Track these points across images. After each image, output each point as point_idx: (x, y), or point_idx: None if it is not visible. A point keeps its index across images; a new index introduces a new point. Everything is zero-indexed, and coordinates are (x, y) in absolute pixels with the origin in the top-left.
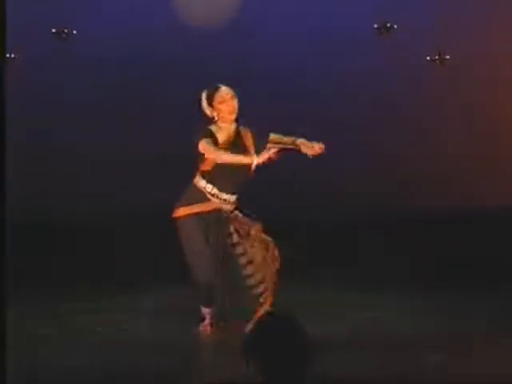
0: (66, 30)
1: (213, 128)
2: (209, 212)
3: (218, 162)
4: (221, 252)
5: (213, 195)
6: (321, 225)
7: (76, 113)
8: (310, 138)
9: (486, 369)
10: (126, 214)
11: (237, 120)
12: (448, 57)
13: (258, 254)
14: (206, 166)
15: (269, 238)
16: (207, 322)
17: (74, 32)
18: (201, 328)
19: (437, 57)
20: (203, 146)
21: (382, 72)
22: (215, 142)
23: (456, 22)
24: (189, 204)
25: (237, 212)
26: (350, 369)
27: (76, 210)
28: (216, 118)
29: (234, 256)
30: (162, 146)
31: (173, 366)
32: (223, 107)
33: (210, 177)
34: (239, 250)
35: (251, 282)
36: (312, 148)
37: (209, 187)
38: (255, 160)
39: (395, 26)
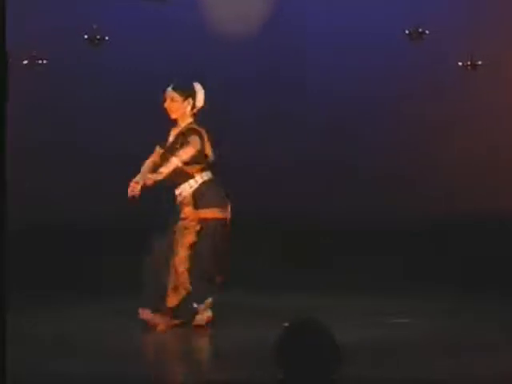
0: (98, 37)
1: (172, 128)
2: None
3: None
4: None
5: (176, 195)
6: (343, 230)
7: (105, 118)
8: (340, 141)
9: None
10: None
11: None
12: (480, 62)
13: (180, 245)
14: None
15: (195, 229)
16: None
17: (106, 38)
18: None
19: (468, 62)
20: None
21: (413, 77)
22: (166, 142)
23: (488, 27)
24: None
25: (187, 198)
26: (377, 375)
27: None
28: None
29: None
30: None
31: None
32: (165, 104)
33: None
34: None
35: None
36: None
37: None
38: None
39: (427, 32)
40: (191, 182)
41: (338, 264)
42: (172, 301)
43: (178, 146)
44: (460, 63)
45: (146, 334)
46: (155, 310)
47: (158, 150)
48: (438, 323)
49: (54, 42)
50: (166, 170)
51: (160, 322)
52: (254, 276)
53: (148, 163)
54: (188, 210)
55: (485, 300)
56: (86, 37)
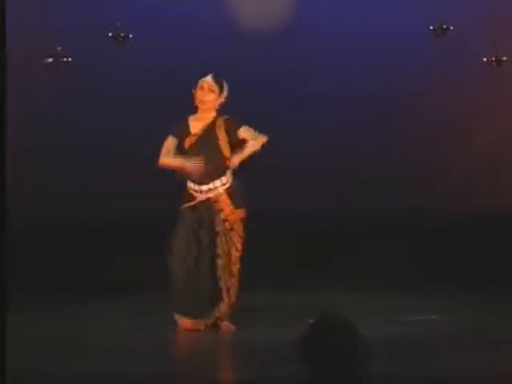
0: (122, 34)
1: (191, 117)
2: (196, 205)
3: (160, 164)
4: (206, 243)
5: (196, 191)
6: (369, 228)
7: (128, 115)
8: (366, 138)
9: None
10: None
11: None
12: (505, 58)
13: (229, 246)
14: None
15: (240, 229)
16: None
17: (131, 36)
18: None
19: (493, 58)
20: (164, 144)
21: (437, 73)
22: (186, 133)
23: None
24: (185, 201)
25: (222, 199)
26: (405, 371)
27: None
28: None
29: (214, 247)
30: None
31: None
32: (199, 93)
33: (188, 175)
34: (218, 239)
35: (219, 273)
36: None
37: (191, 185)
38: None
39: (451, 28)
40: (223, 178)
41: (354, 263)
42: (225, 303)
43: (219, 138)
44: (485, 59)
45: (178, 334)
46: (188, 314)
47: (172, 140)
48: (466, 318)
49: (79, 39)
50: (247, 151)
51: (194, 323)
52: (266, 276)
53: (170, 149)
54: (229, 210)
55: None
56: (110, 34)
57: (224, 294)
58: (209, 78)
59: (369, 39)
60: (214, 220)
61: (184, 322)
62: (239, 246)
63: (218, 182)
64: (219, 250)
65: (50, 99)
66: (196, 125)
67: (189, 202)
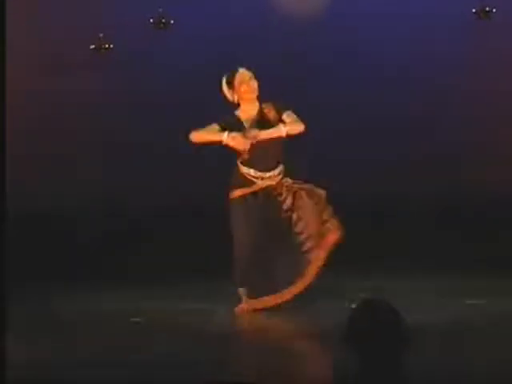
0: (163, 20)
1: (236, 112)
2: (257, 192)
3: (192, 140)
4: (270, 227)
5: (257, 178)
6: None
7: (168, 104)
8: (412, 121)
9: None
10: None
11: (258, 99)
12: None
13: (307, 209)
14: (238, 153)
15: (321, 191)
16: (243, 302)
17: (172, 22)
18: (237, 309)
19: None
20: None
21: (481, 58)
22: (237, 126)
23: None
24: (237, 187)
25: (285, 180)
26: (452, 358)
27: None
28: (237, 101)
29: (286, 224)
30: None
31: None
32: (243, 87)
33: (246, 161)
34: (290, 213)
35: (300, 238)
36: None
37: (251, 171)
38: (224, 138)
39: (494, 10)
40: (281, 166)
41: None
42: (297, 288)
43: (273, 123)
44: None
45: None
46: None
47: (216, 126)
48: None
49: (119, 25)
50: (269, 133)
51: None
52: None
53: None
54: (290, 198)
55: None
56: (151, 20)
57: (305, 271)
58: (244, 70)
59: (410, 24)
60: (279, 202)
61: (258, 302)
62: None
63: (277, 170)
64: (297, 227)
65: (94, 87)
66: (247, 117)
67: (243, 187)
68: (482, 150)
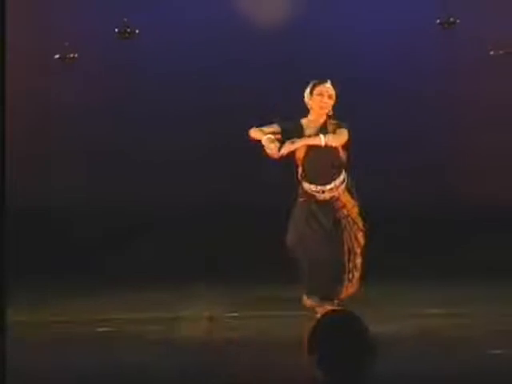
0: (128, 30)
1: (303, 120)
2: (321, 201)
3: (251, 137)
4: (329, 237)
5: (318, 192)
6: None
7: (135, 111)
8: (371, 133)
9: None
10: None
11: (329, 117)
12: None
13: (348, 235)
14: (297, 167)
15: (361, 222)
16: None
17: (137, 31)
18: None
19: (501, 52)
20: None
21: (445, 67)
22: (300, 134)
23: None
24: (303, 197)
25: (343, 196)
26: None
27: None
28: (310, 109)
29: (335, 235)
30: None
31: None
32: (318, 99)
33: (306, 176)
34: (339, 230)
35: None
36: None
37: (312, 187)
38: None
39: (458, 21)
40: (341, 176)
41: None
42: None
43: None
44: (492, 52)
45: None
46: (322, 298)
47: (276, 128)
48: None
49: (85, 35)
50: (300, 143)
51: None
52: None
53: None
54: (350, 206)
55: None
56: (116, 30)
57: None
58: (329, 85)
59: (376, 33)
60: (337, 217)
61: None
62: (362, 240)
63: (338, 181)
64: (345, 247)
65: (57, 95)
66: (310, 127)
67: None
68: (443, 157)
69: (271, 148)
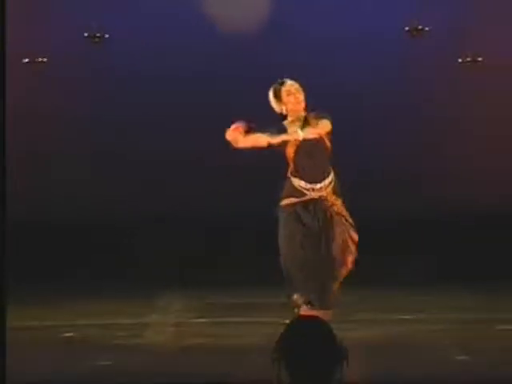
0: (98, 34)
1: (285, 123)
2: (307, 201)
3: (239, 145)
4: (319, 236)
5: (308, 189)
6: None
7: (106, 116)
8: (339, 138)
9: None
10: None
11: (305, 110)
12: (480, 59)
13: (342, 230)
14: (289, 165)
15: (351, 219)
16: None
17: (106, 36)
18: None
19: (469, 59)
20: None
21: (413, 75)
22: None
23: (488, 23)
24: (288, 197)
25: (330, 196)
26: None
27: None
28: (285, 112)
29: (325, 234)
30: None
31: None
32: (291, 99)
33: (297, 173)
34: (329, 231)
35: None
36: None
37: (302, 183)
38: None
39: (426, 29)
40: (330, 177)
41: None
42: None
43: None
44: (460, 60)
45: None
46: (309, 303)
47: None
48: None
49: (54, 40)
50: (278, 138)
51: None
52: None
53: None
54: (339, 204)
55: None
56: (86, 34)
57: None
58: (289, 81)
59: (341, 41)
60: (327, 215)
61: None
62: (355, 237)
63: (327, 181)
64: (335, 244)
65: (25, 100)
66: (295, 125)
67: (296, 198)
68: (413, 163)
69: (235, 136)
